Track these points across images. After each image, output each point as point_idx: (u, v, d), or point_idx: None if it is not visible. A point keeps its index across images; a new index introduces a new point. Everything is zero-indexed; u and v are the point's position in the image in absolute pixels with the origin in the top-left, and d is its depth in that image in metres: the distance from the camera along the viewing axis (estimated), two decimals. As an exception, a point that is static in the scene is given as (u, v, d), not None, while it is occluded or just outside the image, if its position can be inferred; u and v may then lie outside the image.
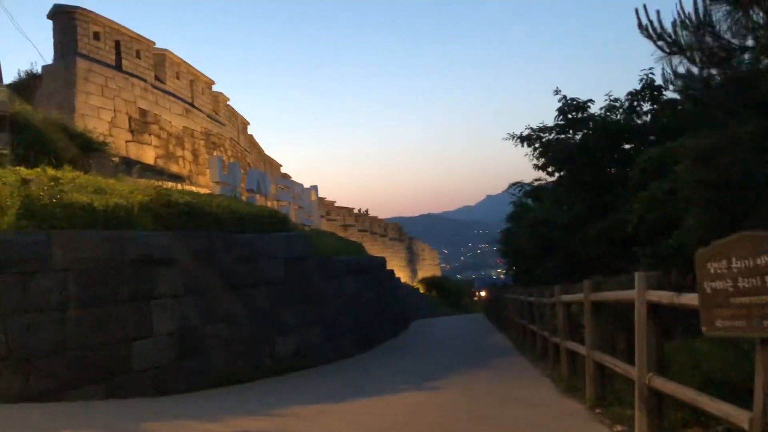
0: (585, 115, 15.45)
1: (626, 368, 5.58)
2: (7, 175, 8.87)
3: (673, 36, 4.02)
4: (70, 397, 7.77)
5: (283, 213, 16.47)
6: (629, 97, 14.74)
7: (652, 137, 14.47)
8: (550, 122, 16.56)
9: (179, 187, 15.93)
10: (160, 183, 15.42)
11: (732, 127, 6.50)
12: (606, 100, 15.15)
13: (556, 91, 15.94)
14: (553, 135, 16.12)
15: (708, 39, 3.84)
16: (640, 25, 4.27)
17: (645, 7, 4.11)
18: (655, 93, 14.26)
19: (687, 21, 3.81)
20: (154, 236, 9.81)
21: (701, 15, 3.84)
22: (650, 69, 13.97)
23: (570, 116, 15.65)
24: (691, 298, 3.91)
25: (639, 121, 14.81)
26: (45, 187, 9.02)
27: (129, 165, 20.66)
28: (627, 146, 14.94)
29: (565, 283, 9.78)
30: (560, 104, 15.73)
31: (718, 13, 3.94)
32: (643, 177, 10.61)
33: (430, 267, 73.94)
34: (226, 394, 9.23)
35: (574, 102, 15.54)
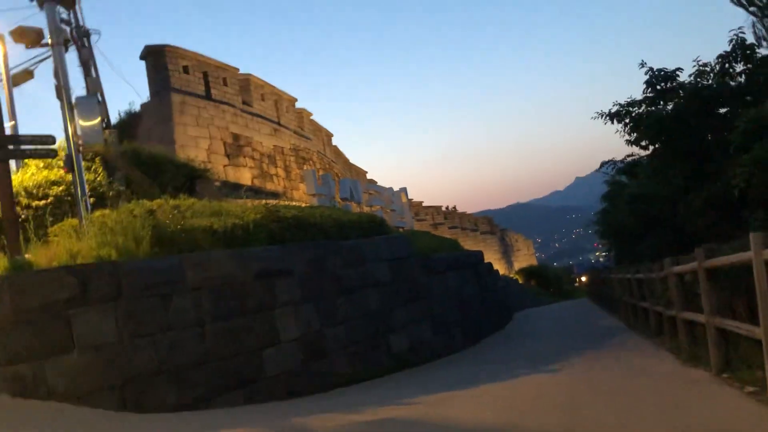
0: (674, 84, 15.11)
1: (751, 329, 5.64)
2: (135, 208, 9.75)
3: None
4: (216, 404, 8.47)
5: (379, 217, 16.98)
6: (719, 59, 14.30)
7: (748, 98, 13.98)
8: (639, 96, 16.30)
9: (278, 203, 16.76)
10: (261, 201, 16.28)
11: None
12: (695, 66, 14.77)
13: (642, 64, 15.66)
14: (642, 108, 15.84)
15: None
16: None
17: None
18: (748, 52, 13.77)
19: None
20: (271, 250, 10.47)
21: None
22: (739, 29, 13.55)
23: (659, 87, 15.33)
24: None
25: (733, 83, 14.35)
26: (170, 215, 9.84)
27: (229, 187, 21.85)
28: (722, 110, 14.49)
29: (667, 254, 9.72)
30: (647, 77, 15.46)
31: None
32: (745, 139, 10.35)
33: (525, 257, 73.10)
34: (353, 391, 9.74)
35: (662, 72, 15.22)
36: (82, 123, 10.18)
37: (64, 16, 12.00)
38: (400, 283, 13.90)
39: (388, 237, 14.75)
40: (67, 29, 11.96)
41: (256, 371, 9.39)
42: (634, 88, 19.79)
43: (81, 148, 10.40)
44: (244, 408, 8.39)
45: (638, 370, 8.15)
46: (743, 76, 14.32)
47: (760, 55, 13.58)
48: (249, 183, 23.94)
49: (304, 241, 11.75)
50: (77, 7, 12.28)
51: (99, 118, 10.56)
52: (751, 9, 5.10)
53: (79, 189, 9.94)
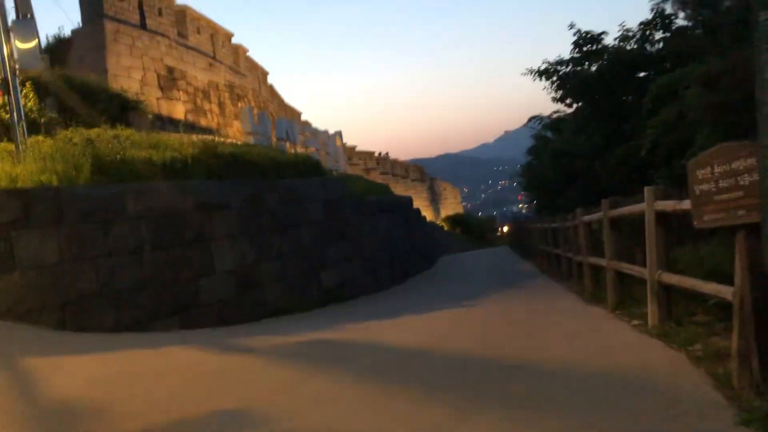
0: (600, 47, 15.99)
1: (640, 270, 6.51)
2: (74, 136, 9.85)
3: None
4: (153, 328, 8.89)
5: (316, 159, 17.39)
6: (641, 26, 15.22)
7: (666, 64, 15.00)
8: (567, 56, 17.12)
9: (212, 139, 16.87)
10: (195, 136, 16.36)
11: (733, 53, 7.17)
12: (619, 30, 15.67)
13: (571, 26, 16.46)
14: (569, 67, 16.69)
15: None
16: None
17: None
18: (667, 21, 14.73)
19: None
20: (210, 185, 10.79)
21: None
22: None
23: (585, 48, 16.19)
24: (688, 204, 4.77)
25: (652, 50, 15.32)
26: (109, 145, 9.99)
27: (163, 121, 21.65)
28: (642, 74, 15.50)
29: (586, 207, 10.65)
30: (575, 38, 16.27)
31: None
32: (656, 103, 11.27)
33: (452, 205, 74.90)
34: (286, 321, 10.34)
35: (589, 34, 16.05)
36: (19, 45, 10.05)
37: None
38: (333, 222, 14.46)
39: (324, 179, 15.22)
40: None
41: (192, 299, 9.83)
42: (564, 47, 20.74)
43: (17, 72, 10.29)
44: (180, 332, 8.86)
45: (547, 307, 9.07)
46: (661, 43, 15.32)
47: (676, 26, 14.56)
48: (182, 117, 23.71)
49: (241, 178, 12.09)
50: None
51: (36, 41, 10.44)
52: None
53: (15, 113, 9.89)
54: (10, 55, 10.30)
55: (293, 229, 12.92)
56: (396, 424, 3.73)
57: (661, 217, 5.81)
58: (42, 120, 13.06)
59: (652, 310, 6.04)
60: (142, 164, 9.97)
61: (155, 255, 9.29)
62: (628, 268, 7.16)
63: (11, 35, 10.28)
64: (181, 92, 24.24)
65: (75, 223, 8.26)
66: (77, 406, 4.22)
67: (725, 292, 4.35)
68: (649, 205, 5.86)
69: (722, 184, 3.93)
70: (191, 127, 22.47)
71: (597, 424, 3.57)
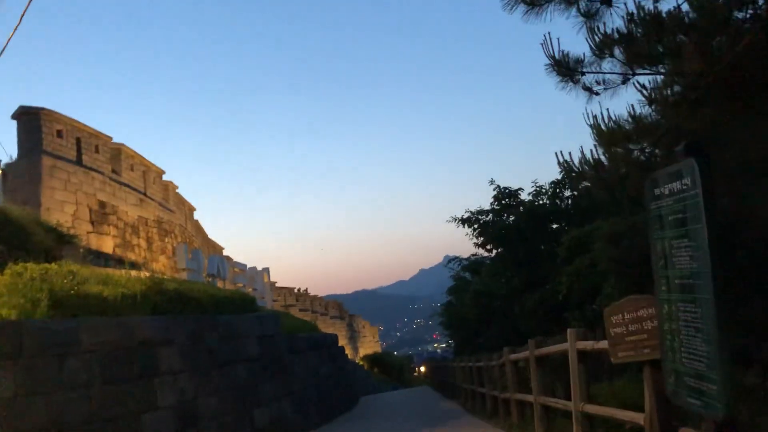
0: (517, 200, 17.87)
1: (565, 403, 7.42)
2: (33, 271, 10.18)
3: (580, 170, 6.02)
4: (98, 464, 8.93)
5: (251, 295, 17.89)
6: (552, 185, 17.26)
7: (576, 218, 16.88)
8: (484, 204, 18.94)
9: (140, 274, 17.14)
10: (124, 271, 16.63)
11: (627, 216, 8.61)
12: (533, 187, 17.65)
13: (491, 181, 18.40)
14: (490, 217, 18.42)
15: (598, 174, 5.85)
16: (558, 162, 6.28)
17: (561, 152, 6.13)
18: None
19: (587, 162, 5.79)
20: (156, 320, 11.16)
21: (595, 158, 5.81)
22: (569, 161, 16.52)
23: (504, 201, 18.04)
24: (604, 344, 5.80)
25: (562, 205, 17.28)
26: (64, 280, 10.34)
27: (93, 255, 21.70)
28: (554, 226, 17.34)
29: (505, 345, 11.65)
30: (495, 192, 18.14)
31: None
32: (569, 253, 12.76)
33: (371, 344, 74.85)
34: (226, 457, 10.44)
35: (507, 190, 17.96)
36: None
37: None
38: (267, 359, 14.80)
39: (259, 314, 15.71)
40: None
41: (135, 434, 9.91)
42: (481, 192, 22.86)
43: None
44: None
45: (478, 442, 9.72)
46: (570, 200, 17.33)
47: (583, 185, 16.57)
48: (111, 251, 23.81)
49: (184, 313, 12.48)
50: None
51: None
52: (573, 175, 6.90)
53: (-31, 248, 10.17)
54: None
55: (230, 365, 13.21)
56: None
57: (582, 355, 6.83)
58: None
59: (577, 438, 6.89)
60: (94, 299, 10.31)
61: (104, 389, 9.46)
62: (554, 401, 8.06)
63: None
64: (111, 227, 24.49)
65: (33, 356, 8.48)
66: None
67: (638, 417, 5.29)
68: (572, 344, 6.89)
69: (631, 328, 4.99)
70: (120, 262, 22.54)
71: None
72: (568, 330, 7.02)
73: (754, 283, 5.47)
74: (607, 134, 5.07)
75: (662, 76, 4.82)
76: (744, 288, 5.52)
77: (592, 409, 6.48)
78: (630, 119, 5.05)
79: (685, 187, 3.95)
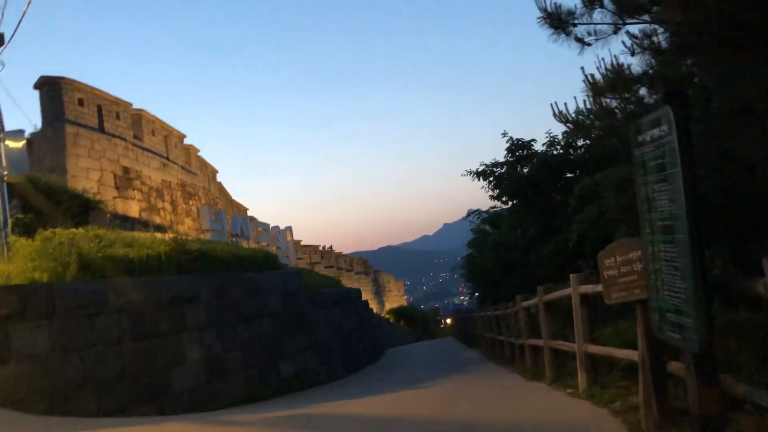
0: (530, 152, 17.95)
1: (571, 345, 7.72)
2: (61, 236, 10.66)
3: (575, 118, 6.14)
4: (131, 414, 9.50)
5: (273, 254, 18.36)
6: (565, 135, 17.28)
7: (589, 166, 16.93)
8: (500, 157, 19.05)
9: (166, 236, 17.68)
10: (148, 234, 17.15)
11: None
12: (547, 137, 17.69)
13: (504, 134, 18.46)
14: (504, 169, 18.54)
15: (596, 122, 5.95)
16: (554, 114, 6.40)
17: (556, 103, 6.25)
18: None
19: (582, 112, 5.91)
20: (182, 279, 11.63)
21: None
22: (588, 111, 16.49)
23: (517, 153, 18.12)
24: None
25: (576, 154, 17.33)
26: (91, 244, 10.81)
27: (119, 219, 22.31)
28: (568, 175, 17.42)
29: (524, 294, 11.94)
30: (508, 144, 18.21)
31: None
32: (580, 202, 12.91)
33: (396, 298, 75.84)
34: (252, 407, 10.99)
35: (520, 141, 18.03)
36: (10, 145, 10.91)
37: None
38: (290, 314, 15.31)
39: (282, 272, 16.16)
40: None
41: (165, 387, 10.46)
42: (497, 145, 22.85)
43: (5, 176, 11.12)
44: (158, 417, 9.47)
45: (493, 385, 10.14)
46: (583, 149, 17.36)
47: (594, 134, 16.56)
48: (137, 215, 24.44)
49: (208, 272, 12.95)
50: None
51: (24, 142, 11.33)
52: (568, 125, 6.94)
53: (1, 216, 10.66)
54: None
55: (255, 320, 13.72)
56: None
57: (584, 298, 7.09)
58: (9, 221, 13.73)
59: (581, 378, 7.21)
60: (121, 261, 10.78)
61: (134, 345, 9.99)
62: (560, 344, 8.36)
63: (1, 138, 11.17)
64: (135, 191, 25.05)
65: (65, 316, 8.98)
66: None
67: (633, 355, 5.57)
68: (574, 288, 7.15)
69: (623, 270, 5.22)
70: (145, 225, 23.16)
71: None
72: (571, 275, 7.28)
73: (735, 222, 5.64)
74: (604, 81, 5.21)
75: (649, 25, 4.94)
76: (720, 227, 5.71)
77: (594, 349, 6.77)
78: (619, 68, 5.19)
79: (663, 133, 4.13)
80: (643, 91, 5.41)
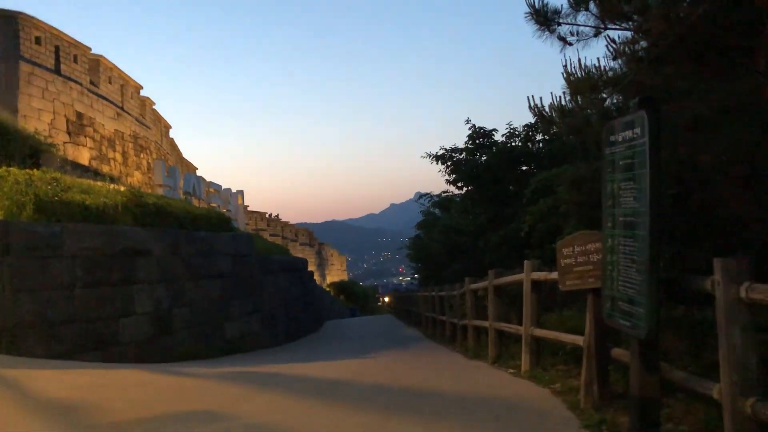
0: (490, 141, 18.37)
1: (517, 328, 8.12)
2: (17, 175, 10.46)
3: (549, 115, 6.43)
4: (78, 359, 9.49)
5: (226, 215, 18.32)
6: (525, 128, 17.75)
7: (545, 161, 17.47)
8: (459, 143, 19.41)
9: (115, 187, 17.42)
10: (102, 183, 16.87)
11: (592, 161, 9.16)
12: (507, 128, 18.13)
13: (467, 121, 18.84)
14: (463, 155, 18.93)
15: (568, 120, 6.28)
16: (529, 106, 6.69)
17: (533, 96, 6.53)
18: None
19: (556, 107, 6.21)
20: (137, 231, 11.59)
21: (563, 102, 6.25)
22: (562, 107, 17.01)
23: (478, 141, 18.51)
24: (556, 275, 6.42)
25: (534, 148, 17.84)
26: (48, 186, 10.65)
27: (69, 165, 21.79)
28: (524, 168, 17.93)
29: (472, 277, 12.35)
30: (470, 131, 18.59)
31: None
32: (534, 195, 13.37)
33: (338, 272, 76.19)
34: (199, 363, 11.10)
35: (482, 130, 18.42)
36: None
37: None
38: (239, 277, 15.39)
39: (234, 234, 16.19)
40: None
41: (113, 337, 10.48)
42: (451, 130, 23.28)
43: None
44: (109, 364, 9.51)
45: (436, 360, 10.52)
46: (541, 143, 17.88)
47: (554, 130, 17.10)
48: (87, 163, 23.87)
49: (162, 227, 12.91)
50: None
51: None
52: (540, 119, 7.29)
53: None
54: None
55: (205, 279, 13.76)
56: (337, 424, 4.95)
57: (535, 284, 7.48)
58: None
59: (525, 359, 7.62)
60: (77, 207, 10.67)
61: (85, 292, 9.96)
62: (507, 326, 8.77)
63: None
64: (87, 138, 24.45)
65: (20, 256, 8.90)
66: (74, 404, 5.12)
67: (578, 339, 5.96)
68: (527, 274, 7.53)
69: (579, 259, 5.58)
70: (95, 174, 22.68)
71: (487, 426, 4.97)
72: (525, 261, 7.66)
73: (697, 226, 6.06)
74: (576, 82, 5.52)
75: (630, 33, 5.25)
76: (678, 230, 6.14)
77: (540, 332, 7.18)
78: (598, 70, 5.50)
79: (635, 135, 4.45)
80: (617, 94, 5.74)
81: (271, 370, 8.10)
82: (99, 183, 13.73)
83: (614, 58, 5.29)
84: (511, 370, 8.19)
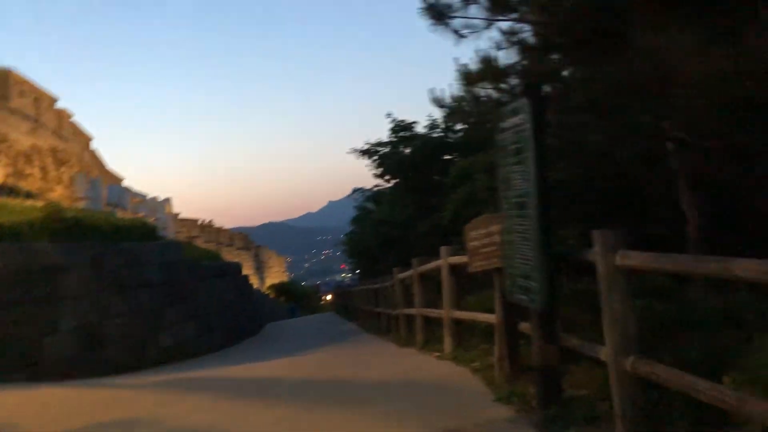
0: (412, 133, 18.70)
1: (439, 312, 8.40)
2: None
3: (450, 104, 6.72)
4: (2, 382, 9.27)
5: (152, 225, 18.02)
6: (445, 119, 18.15)
7: (465, 150, 17.89)
8: (385, 137, 19.70)
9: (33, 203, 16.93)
10: (18, 200, 16.38)
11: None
12: (428, 120, 18.51)
13: (388, 115, 19.12)
14: (388, 149, 19.21)
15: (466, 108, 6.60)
16: (431, 98, 6.97)
17: (434, 88, 6.83)
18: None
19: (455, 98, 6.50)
20: (56, 247, 11.34)
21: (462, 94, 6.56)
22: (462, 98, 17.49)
23: (400, 134, 18.83)
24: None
25: (453, 138, 18.26)
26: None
27: (-17, 184, 20.99)
28: (446, 157, 18.34)
29: (401, 267, 12.60)
30: (392, 125, 18.89)
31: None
32: (455, 182, 13.74)
33: (277, 274, 75.70)
34: (131, 375, 10.97)
35: (403, 123, 18.76)
36: None
37: None
38: (170, 285, 15.19)
39: (162, 242, 15.97)
40: None
41: (38, 356, 10.26)
42: (383, 124, 23.57)
43: None
44: (32, 384, 9.32)
45: (368, 351, 10.76)
46: (461, 133, 18.32)
47: (469, 120, 17.58)
48: (1, 181, 23.04)
49: (84, 241, 12.65)
50: None
51: None
52: (443, 109, 7.56)
53: None
54: None
55: (133, 290, 13.56)
56: (259, 418, 5.08)
57: (453, 268, 7.77)
58: None
59: (447, 342, 7.91)
60: (-9, 226, 10.39)
61: (4, 313, 9.72)
62: (430, 312, 9.06)
63: None
64: (1, 155, 23.60)
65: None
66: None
67: (491, 318, 6.26)
68: (444, 259, 7.81)
69: (485, 241, 5.87)
70: (12, 191, 21.91)
71: (408, 407, 5.20)
72: (441, 247, 7.94)
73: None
74: (467, 74, 5.79)
75: (517, 23, 5.55)
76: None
77: (459, 314, 7.48)
78: (486, 62, 5.78)
79: (521, 121, 4.73)
80: (513, 82, 6.04)
81: (202, 374, 8.14)
82: (14, 201, 13.34)
83: (498, 48, 5.57)
84: (437, 354, 8.47)
